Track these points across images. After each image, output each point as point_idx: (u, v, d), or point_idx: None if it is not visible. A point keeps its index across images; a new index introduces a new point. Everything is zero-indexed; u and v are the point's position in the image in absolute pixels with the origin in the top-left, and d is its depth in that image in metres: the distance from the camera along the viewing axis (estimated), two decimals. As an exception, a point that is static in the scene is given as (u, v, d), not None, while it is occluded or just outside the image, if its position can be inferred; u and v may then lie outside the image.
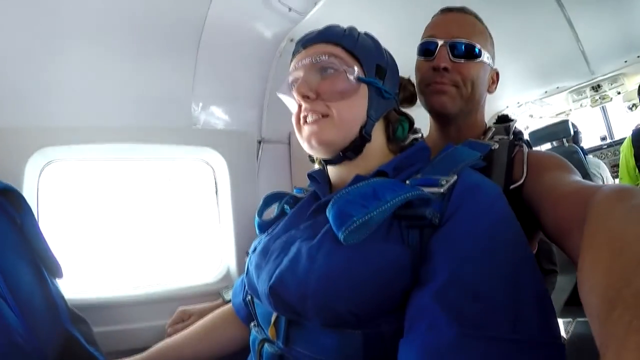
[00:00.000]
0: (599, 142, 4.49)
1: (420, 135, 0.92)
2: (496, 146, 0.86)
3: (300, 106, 0.73)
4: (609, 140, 4.43)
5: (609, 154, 4.16)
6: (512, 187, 0.80)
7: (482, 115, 1.02)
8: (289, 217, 0.79)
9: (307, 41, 0.76)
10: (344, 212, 0.56)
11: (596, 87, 2.57)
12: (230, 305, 1.00)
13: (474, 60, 0.91)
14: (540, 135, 2.97)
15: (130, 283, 1.33)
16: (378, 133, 0.77)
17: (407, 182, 0.64)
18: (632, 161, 2.47)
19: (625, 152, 2.55)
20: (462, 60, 0.90)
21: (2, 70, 1.07)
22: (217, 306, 1.16)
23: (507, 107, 2.58)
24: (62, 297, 0.91)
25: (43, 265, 0.88)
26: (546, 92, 2.48)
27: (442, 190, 0.60)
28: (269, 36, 1.46)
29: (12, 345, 0.69)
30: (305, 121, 0.72)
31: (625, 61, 2.18)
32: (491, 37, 0.98)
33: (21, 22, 1.06)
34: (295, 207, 0.82)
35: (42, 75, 1.12)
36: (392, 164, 0.72)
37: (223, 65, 1.43)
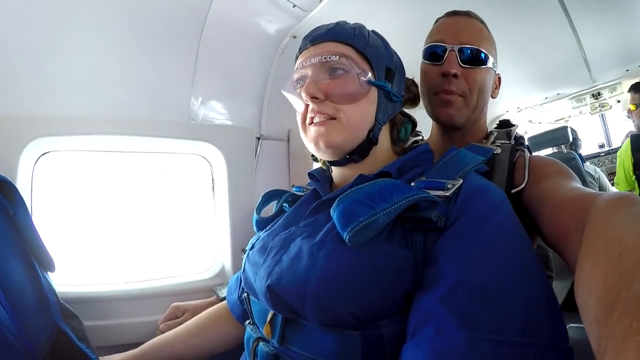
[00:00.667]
0: (596, 150, 4.51)
1: (421, 137, 0.92)
2: (499, 151, 0.86)
3: (307, 106, 0.72)
4: (606, 148, 4.46)
5: (607, 161, 4.19)
6: (513, 191, 0.80)
7: (485, 120, 1.02)
8: (289, 215, 0.78)
9: (316, 38, 0.74)
10: (350, 212, 0.55)
11: (596, 95, 2.59)
12: (224, 302, 1.00)
13: (482, 67, 0.91)
14: (539, 141, 2.99)
15: (123, 277, 1.31)
16: (384, 135, 0.76)
17: (412, 184, 0.64)
18: (630, 167, 2.47)
19: (623, 157, 2.56)
20: (471, 67, 0.90)
21: (4, 59, 1.05)
22: (211, 303, 1.15)
23: (507, 111, 2.59)
24: (54, 291, 0.89)
25: (35, 259, 0.86)
26: (547, 97, 2.49)
27: (448, 193, 0.59)
28: (271, 32, 1.45)
29: (2, 341, 0.68)
30: (312, 122, 0.71)
31: (627, 70, 2.19)
32: (494, 43, 0.98)
33: (22, 12, 1.04)
34: (296, 205, 0.81)
35: (41, 65, 1.10)
36: (396, 165, 0.71)
37: (224, 59, 1.42)
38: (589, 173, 2.94)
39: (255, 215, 0.88)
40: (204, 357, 0.98)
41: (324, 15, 1.36)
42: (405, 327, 0.52)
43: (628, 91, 2.42)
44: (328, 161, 0.79)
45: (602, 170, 3.29)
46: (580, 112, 2.90)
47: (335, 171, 0.81)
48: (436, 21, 1.01)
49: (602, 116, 4.50)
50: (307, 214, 0.73)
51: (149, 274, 1.38)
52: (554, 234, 0.63)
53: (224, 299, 1.04)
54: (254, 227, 0.88)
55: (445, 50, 0.91)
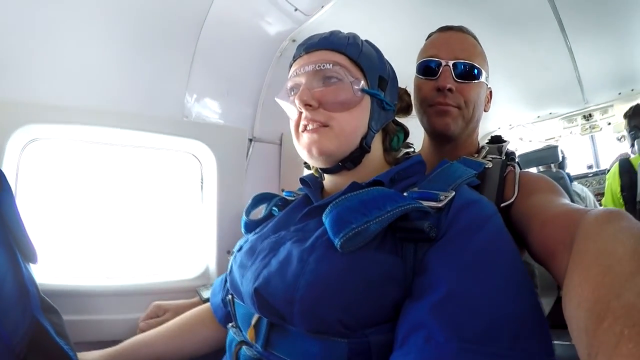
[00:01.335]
0: (585, 170, 4.56)
1: (412, 150, 0.93)
2: (490, 165, 0.88)
3: (300, 114, 0.72)
4: (595, 169, 4.51)
5: (594, 182, 4.24)
6: (502, 205, 0.81)
7: (477, 134, 1.04)
8: (279, 219, 0.78)
9: (310, 46, 0.74)
10: (342, 219, 0.55)
11: (588, 116, 2.62)
12: (207, 304, 0.99)
13: (475, 81, 0.93)
14: (529, 159, 3.02)
15: (104, 273, 1.29)
16: (376, 144, 0.77)
17: (405, 194, 0.64)
18: (618, 189, 2.51)
19: (611, 180, 2.60)
20: (465, 81, 0.92)
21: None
22: (194, 304, 1.15)
23: (499, 128, 2.62)
24: (35, 283, 0.87)
25: (17, 249, 0.84)
26: (539, 116, 2.52)
27: (440, 205, 0.60)
28: (271, 34, 1.45)
29: None
30: (305, 129, 0.71)
31: (619, 93, 2.22)
32: (486, 58, 1.00)
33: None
34: (286, 209, 0.81)
35: (35, 51, 1.09)
36: (389, 174, 0.72)
37: (221, 59, 1.42)
38: (577, 193, 2.98)
39: (244, 217, 0.88)
40: (183, 359, 0.97)
41: (325, 21, 1.37)
42: (393, 337, 0.52)
43: (624, 117, 2.46)
44: (320, 168, 0.79)
45: (589, 191, 3.33)
46: (571, 133, 2.93)
47: (327, 178, 0.81)
48: (429, 36, 1.03)
49: (592, 137, 4.57)
50: (298, 219, 0.72)
51: (132, 271, 1.36)
52: (542, 248, 0.63)
53: (206, 300, 1.03)
54: (242, 229, 0.88)
55: (440, 65, 0.92)
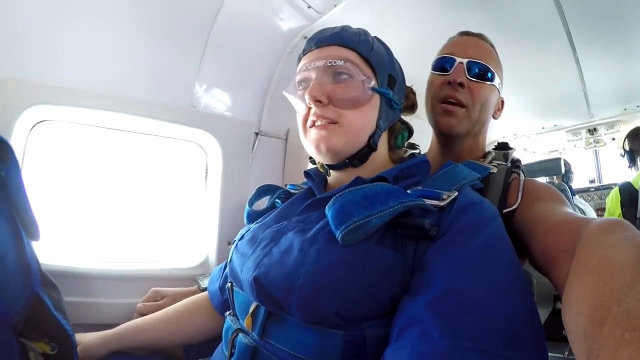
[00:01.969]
0: (587, 184, 4.55)
1: (418, 151, 0.93)
2: (495, 170, 0.88)
3: (309, 109, 0.72)
4: (597, 184, 4.49)
5: (596, 197, 4.21)
6: (505, 211, 0.81)
7: (484, 139, 1.04)
8: (282, 209, 0.79)
9: (321, 41, 0.74)
10: (345, 211, 0.56)
11: (592, 130, 2.61)
12: (205, 292, 0.99)
13: (487, 82, 0.94)
14: (532, 170, 3.01)
15: (104, 257, 1.30)
16: (382, 142, 0.78)
17: (409, 191, 0.64)
18: (618, 210, 2.52)
19: (609, 205, 2.61)
20: (477, 80, 0.93)
21: (9, 21, 1.05)
22: (192, 292, 1.15)
23: (504, 137, 2.62)
24: (36, 259, 0.88)
25: (21, 224, 0.85)
26: (543, 128, 2.52)
27: (443, 204, 0.60)
28: (283, 30, 1.46)
29: None
30: (314, 125, 0.71)
31: (625, 109, 2.22)
32: (501, 66, 1.02)
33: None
34: (289, 201, 0.81)
35: (48, 33, 1.10)
36: (393, 171, 0.72)
37: (232, 51, 1.42)
38: (578, 207, 2.98)
39: (247, 207, 0.89)
40: (179, 345, 0.98)
41: (337, 19, 1.38)
42: (389, 331, 0.52)
43: (626, 138, 2.46)
44: (327, 164, 0.79)
45: (590, 206, 3.33)
46: (575, 146, 2.93)
47: (332, 174, 0.81)
48: (449, 40, 1.04)
49: (596, 152, 4.55)
50: (301, 211, 0.73)
51: (132, 256, 1.38)
52: (543, 255, 0.63)
53: (204, 289, 1.04)
54: (245, 219, 0.89)
55: (454, 62, 0.94)
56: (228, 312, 0.77)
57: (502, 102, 1.05)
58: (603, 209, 3.41)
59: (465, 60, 0.94)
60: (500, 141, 1.06)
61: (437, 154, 1.03)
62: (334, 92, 0.69)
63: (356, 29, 0.77)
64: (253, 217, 0.86)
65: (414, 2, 1.39)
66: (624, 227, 0.47)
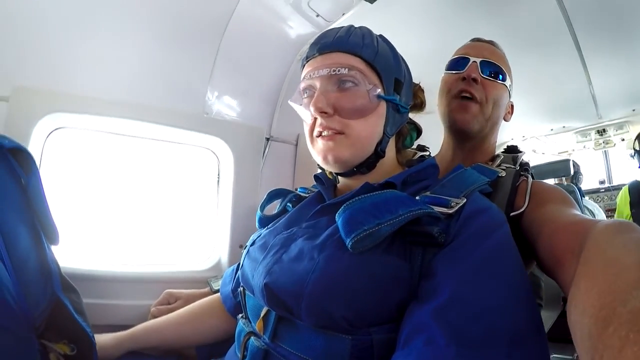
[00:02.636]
0: (596, 185, 4.50)
1: (428, 154, 0.94)
2: (503, 174, 0.89)
3: (315, 119, 0.71)
4: (606, 185, 4.45)
5: (605, 197, 4.17)
6: (512, 214, 0.81)
7: (494, 141, 1.05)
8: (292, 215, 0.79)
9: (324, 47, 0.71)
10: (355, 220, 0.56)
11: (601, 131, 2.60)
12: (217, 294, 1.01)
13: (499, 81, 0.96)
14: (541, 171, 3.00)
15: (120, 260, 1.33)
16: (390, 146, 0.77)
17: (417, 197, 0.64)
18: (627, 210, 2.50)
19: (620, 202, 2.59)
20: (490, 78, 0.95)
21: (30, 30, 1.08)
22: (205, 294, 1.16)
23: (512, 139, 2.61)
24: (57, 263, 0.91)
25: (42, 230, 0.88)
26: (552, 129, 2.51)
27: (451, 211, 0.60)
28: (292, 37, 1.48)
29: (1, 301, 0.69)
30: (320, 135, 0.70)
31: (633, 110, 2.21)
32: (511, 72, 1.03)
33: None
34: (299, 206, 0.81)
35: (66, 42, 1.13)
36: (402, 176, 0.72)
37: (243, 58, 1.44)
38: (588, 208, 2.96)
39: (258, 212, 0.89)
40: (191, 346, 1.00)
41: (345, 27, 1.39)
42: (396, 337, 0.53)
43: (636, 139, 2.44)
44: (335, 172, 0.79)
45: (600, 207, 3.30)
46: (584, 147, 2.91)
47: (341, 180, 0.82)
48: (462, 46, 1.06)
49: (605, 153, 4.51)
50: (310, 216, 0.73)
51: (147, 259, 1.40)
52: (550, 257, 0.63)
53: (217, 291, 1.05)
54: (257, 224, 0.89)
55: (469, 61, 0.96)
56: (240, 315, 0.78)
57: (512, 106, 1.07)
58: (613, 210, 3.39)
59: (479, 60, 0.96)
60: (509, 144, 1.07)
61: (449, 154, 1.04)
62: (339, 101, 0.68)
63: (360, 29, 0.74)
64: (265, 221, 0.86)
65: (422, 9, 1.41)
66: (631, 229, 0.47)
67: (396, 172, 0.75)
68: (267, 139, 1.59)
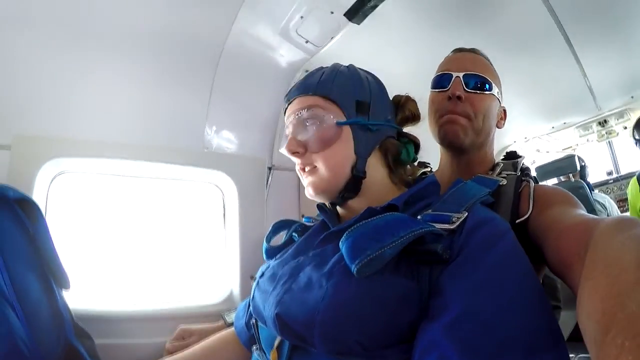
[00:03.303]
0: (604, 177, 4.47)
1: (429, 169, 0.93)
2: (504, 182, 0.88)
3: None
4: (615, 175, 4.41)
5: (615, 188, 4.13)
6: (518, 221, 0.81)
7: (492, 150, 1.04)
8: (298, 244, 0.79)
9: (289, 97, 0.79)
10: (358, 246, 0.56)
11: (603, 123, 2.58)
12: (232, 328, 1.00)
13: (485, 92, 0.95)
14: (547, 170, 2.98)
15: (132, 299, 1.33)
16: (375, 166, 0.78)
17: (419, 217, 0.65)
18: (639, 199, 2.47)
19: (631, 197, 2.56)
20: (475, 92, 0.94)
21: (28, 79, 1.11)
22: (219, 328, 1.17)
23: (515, 141, 2.60)
24: (68, 309, 0.92)
25: (51, 276, 0.89)
26: (553, 127, 2.50)
27: (453, 227, 0.60)
28: (284, 66, 1.50)
29: (15, 352, 0.70)
30: (303, 171, 0.77)
31: (632, 97, 2.19)
32: (499, 78, 1.02)
33: (47, 41, 1.10)
34: (305, 235, 0.82)
35: (63, 89, 1.16)
36: (403, 197, 0.72)
37: (238, 91, 1.46)
38: (598, 202, 2.92)
39: (265, 244, 0.90)
40: (209, 381, 1.00)
41: (335, 51, 1.42)
42: (410, 357, 0.53)
43: (635, 126, 2.42)
44: (329, 202, 0.82)
45: (611, 198, 3.27)
46: (588, 140, 2.89)
47: (339, 208, 0.83)
48: (444, 59, 1.05)
49: (610, 143, 4.48)
50: (316, 245, 0.73)
51: (159, 296, 1.40)
52: (558, 260, 0.63)
53: (231, 324, 1.05)
54: (264, 256, 0.89)
55: (452, 77, 0.95)
56: (255, 347, 0.78)
57: (505, 111, 1.05)
58: (624, 200, 3.35)
59: (461, 74, 0.95)
60: (511, 147, 1.07)
61: (447, 170, 1.03)
62: (307, 140, 0.74)
63: (323, 69, 0.80)
64: (271, 252, 0.87)
65: (409, 27, 1.42)
66: (633, 225, 0.47)
67: (393, 192, 0.77)
68: (269, 169, 1.60)
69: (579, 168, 2.98)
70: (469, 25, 1.42)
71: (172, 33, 1.24)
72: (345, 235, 0.59)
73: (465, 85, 0.94)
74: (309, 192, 0.76)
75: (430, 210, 0.67)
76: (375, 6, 1.25)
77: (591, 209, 2.54)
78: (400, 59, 1.49)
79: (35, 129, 1.14)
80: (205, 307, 1.39)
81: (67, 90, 1.16)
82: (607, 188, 4.20)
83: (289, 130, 0.77)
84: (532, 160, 3.26)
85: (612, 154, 4.64)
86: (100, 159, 1.24)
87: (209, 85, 1.38)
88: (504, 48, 1.49)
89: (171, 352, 1.06)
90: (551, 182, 3.19)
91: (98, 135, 1.22)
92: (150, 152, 1.30)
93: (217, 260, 1.50)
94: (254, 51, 1.40)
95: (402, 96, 0.85)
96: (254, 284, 0.80)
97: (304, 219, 0.95)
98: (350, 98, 0.75)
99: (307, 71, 1.47)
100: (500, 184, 0.87)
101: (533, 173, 0.99)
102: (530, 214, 0.80)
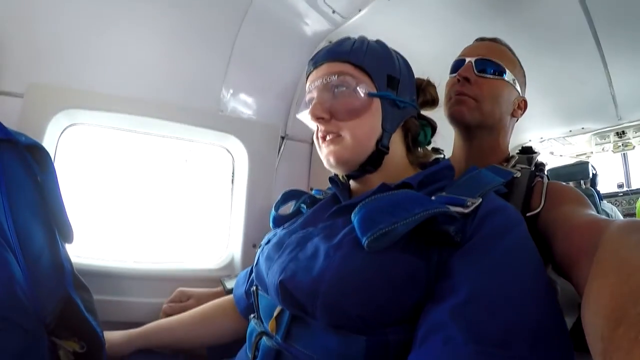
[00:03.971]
0: (615, 189, 4.43)
1: (442, 156, 0.93)
2: (518, 174, 0.87)
3: (317, 126, 0.75)
4: (625, 189, 4.37)
5: (624, 202, 4.11)
6: (528, 215, 0.80)
7: (506, 141, 1.04)
8: (308, 215, 0.79)
9: (317, 61, 0.76)
10: (371, 218, 0.56)
11: (621, 133, 2.55)
12: (230, 296, 1.01)
13: (496, 77, 0.96)
14: (559, 174, 2.95)
15: (132, 257, 1.33)
16: (397, 143, 0.77)
17: (433, 198, 0.64)
18: None
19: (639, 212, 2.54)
20: (484, 75, 0.95)
21: (44, 28, 1.09)
22: (217, 293, 1.17)
23: (530, 140, 2.57)
24: (70, 261, 0.91)
25: (56, 228, 0.88)
26: (570, 131, 2.46)
27: (467, 211, 0.60)
28: (308, 34, 1.47)
29: (13, 297, 0.69)
30: (324, 140, 0.74)
31: (655, 112, 2.16)
32: (522, 68, 1.03)
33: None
34: (315, 207, 0.82)
35: (80, 39, 1.14)
36: (418, 177, 0.72)
37: (259, 55, 1.44)
38: (605, 212, 2.90)
39: (273, 212, 0.90)
40: (202, 346, 1.00)
41: (362, 24, 1.38)
42: (412, 338, 0.52)
43: None
44: (345, 175, 0.80)
45: (618, 211, 3.24)
46: (603, 149, 2.87)
47: (352, 182, 0.82)
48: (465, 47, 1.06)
49: (624, 155, 4.43)
50: (326, 217, 0.73)
51: (159, 256, 1.40)
52: (565, 257, 0.63)
53: (230, 290, 1.05)
54: (271, 223, 0.89)
55: (464, 62, 0.97)
56: (252, 315, 0.78)
57: (525, 102, 1.04)
58: (632, 214, 3.33)
59: (473, 59, 0.96)
60: (525, 145, 1.06)
61: (459, 155, 1.03)
62: (334, 106, 0.72)
63: (351, 38, 0.78)
64: (279, 221, 0.87)
65: (438, 7, 1.38)
66: None
67: (408, 172, 0.77)
68: (283, 138, 1.59)
69: (591, 176, 2.95)
70: (499, 13, 1.38)
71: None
72: (358, 207, 0.59)
73: (475, 68, 0.96)
74: (329, 161, 0.74)
75: (444, 193, 0.66)
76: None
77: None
78: (427, 39, 1.46)
79: (50, 78, 1.12)
80: (205, 271, 1.39)
81: (84, 41, 1.15)
82: (615, 200, 4.17)
83: (312, 95, 0.75)
84: (545, 162, 3.23)
85: (626, 166, 4.60)
86: (113, 114, 1.22)
87: (229, 45, 1.35)
88: (532, 43, 1.45)
89: (168, 314, 1.08)
90: (561, 184, 3.17)
91: (113, 89, 1.21)
92: (163, 110, 1.29)
93: (221, 225, 1.50)
94: (279, 16, 1.37)
95: (424, 80, 0.86)
96: (259, 249, 0.80)
97: (313, 192, 0.95)
98: (382, 71, 0.75)
99: (330, 42, 1.45)
100: (515, 176, 0.86)
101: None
102: (542, 208, 0.80)
